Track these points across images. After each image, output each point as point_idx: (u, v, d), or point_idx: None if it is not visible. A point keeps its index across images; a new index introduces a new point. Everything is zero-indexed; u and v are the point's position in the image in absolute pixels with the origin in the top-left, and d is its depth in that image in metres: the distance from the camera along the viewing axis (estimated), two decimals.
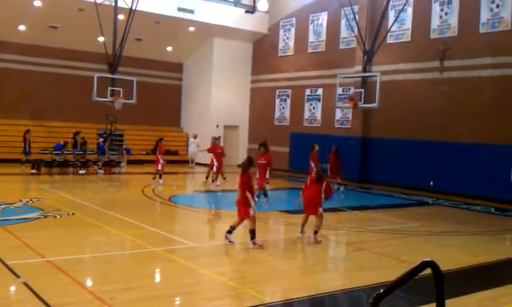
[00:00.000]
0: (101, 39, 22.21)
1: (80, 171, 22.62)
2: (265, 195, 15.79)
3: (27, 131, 23.03)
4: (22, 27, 25.25)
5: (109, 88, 21.93)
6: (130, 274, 7.95)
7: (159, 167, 19.77)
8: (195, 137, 26.87)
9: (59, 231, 10.87)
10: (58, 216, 12.15)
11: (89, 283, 7.56)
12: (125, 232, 10.89)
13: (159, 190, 18.13)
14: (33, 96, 26.52)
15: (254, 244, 9.92)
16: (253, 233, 9.95)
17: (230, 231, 10.10)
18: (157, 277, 8.21)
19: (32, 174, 21.11)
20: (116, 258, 9.03)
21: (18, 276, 7.23)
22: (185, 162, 27.70)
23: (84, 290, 7.02)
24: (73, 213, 12.58)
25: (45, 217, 12.00)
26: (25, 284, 6.88)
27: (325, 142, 23.16)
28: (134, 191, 18.55)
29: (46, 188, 17.60)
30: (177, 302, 6.94)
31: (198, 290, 7.45)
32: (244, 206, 10.00)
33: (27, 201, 13.95)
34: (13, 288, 6.96)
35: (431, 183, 20.88)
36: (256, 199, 13.96)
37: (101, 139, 25.07)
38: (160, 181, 19.56)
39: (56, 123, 26.64)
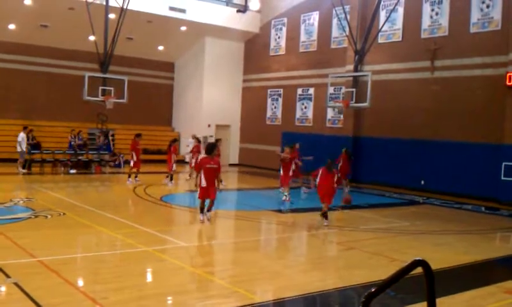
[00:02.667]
0: (92, 38, 22.11)
1: (71, 171, 22.57)
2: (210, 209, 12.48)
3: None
4: (12, 26, 25.09)
5: (100, 87, 21.86)
6: (122, 273, 7.93)
7: (174, 167, 19.87)
8: (193, 138, 26.69)
9: (50, 231, 10.81)
10: (49, 216, 12.08)
11: (80, 282, 7.52)
12: (116, 232, 10.85)
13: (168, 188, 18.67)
14: (23, 95, 26.41)
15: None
16: (326, 214, 12.72)
17: (325, 215, 12.67)
18: (149, 277, 8.18)
19: (23, 173, 20.99)
20: (107, 258, 9.00)
21: (8, 276, 7.18)
22: (177, 162, 27.55)
23: (76, 290, 6.99)
24: (64, 213, 12.53)
25: (36, 217, 11.94)
26: (16, 284, 6.84)
27: (316, 141, 23.27)
28: (126, 191, 18.50)
29: (37, 188, 17.51)
30: (168, 302, 6.93)
31: (189, 290, 7.44)
32: (331, 196, 12.81)
33: (18, 201, 13.88)
34: (3, 289, 6.91)
35: (422, 182, 20.98)
36: (204, 215, 12.20)
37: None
38: (172, 181, 19.74)
39: (47, 122, 26.50)
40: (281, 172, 17.27)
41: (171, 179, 19.76)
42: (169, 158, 19.89)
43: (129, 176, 19.82)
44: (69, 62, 27.21)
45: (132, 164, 19.62)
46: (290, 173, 16.87)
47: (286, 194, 16.48)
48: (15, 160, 22.26)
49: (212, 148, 12.32)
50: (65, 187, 19.28)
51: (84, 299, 6.56)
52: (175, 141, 20.86)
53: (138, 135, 20.24)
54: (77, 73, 24.89)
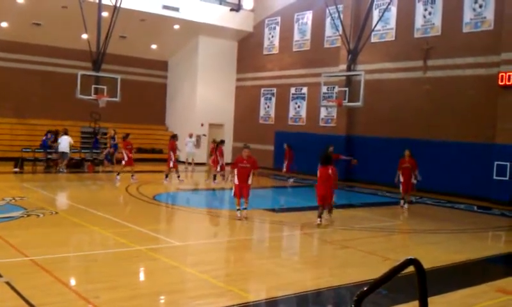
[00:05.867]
0: (85, 36, 22.03)
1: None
2: None
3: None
4: (4, 24, 24.98)
5: (93, 86, 21.75)
6: (114, 273, 7.90)
7: (218, 168, 20.44)
8: (191, 136, 26.62)
9: (42, 230, 10.77)
10: (41, 215, 12.04)
11: (72, 282, 7.50)
12: (109, 231, 10.82)
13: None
14: (16, 93, 26.29)
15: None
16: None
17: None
18: (141, 276, 8.17)
19: (15, 172, 20.89)
20: (99, 257, 8.97)
21: (0, 275, 7.15)
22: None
23: (68, 289, 6.97)
24: (56, 212, 12.48)
25: (28, 215, 11.89)
26: (8, 283, 6.80)
27: (310, 140, 23.30)
28: (118, 190, 18.45)
29: (29, 187, 17.43)
30: (161, 301, 6.92)
31: (182, 289, 7.43)
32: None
33: (10, 200, 13.81)
34: None
35: (415, 181, 20.99)
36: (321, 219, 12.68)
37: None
38: (216, 180, 20.41)
39: (39, 120, 26.39)
40: (236, 180, 12.95)
41: (224, 177, 20.38)
42: (215, 160, 20.49)
43: (166, 176, 20.47)
44: (62, 61, 27.13)
45: (172, 164, 20.44)
46: (249, 181, 13.00)
47: (244, 207, 12.99)
48: (7, 159, 22.15)
49: (329, 159, 12.97)
50: (57, 186, 19.20)
51: (77, 298, 6.53)
52: (222, 142, 21.14)
53: (174, 136, 21.45)
54: (70, 72, 24.78)
